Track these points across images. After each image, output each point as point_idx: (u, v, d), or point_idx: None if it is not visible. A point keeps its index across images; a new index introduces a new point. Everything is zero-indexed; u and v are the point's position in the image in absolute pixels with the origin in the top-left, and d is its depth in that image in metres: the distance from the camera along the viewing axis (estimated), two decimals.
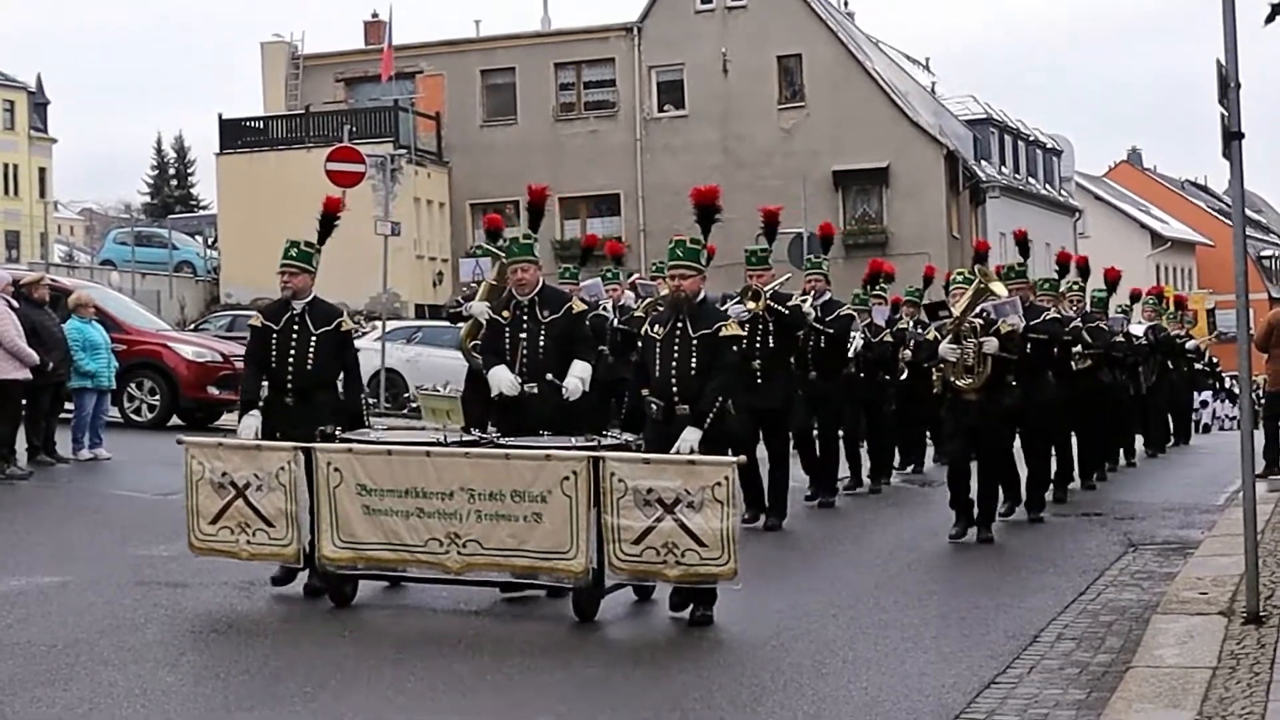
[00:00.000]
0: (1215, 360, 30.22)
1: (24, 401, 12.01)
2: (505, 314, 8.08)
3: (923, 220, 33.79)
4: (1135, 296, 17.61)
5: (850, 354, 12.03)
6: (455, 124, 35.81)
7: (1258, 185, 68.15)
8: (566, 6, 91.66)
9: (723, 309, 9.08)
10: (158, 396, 15.81)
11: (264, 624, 7.27)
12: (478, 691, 6.05)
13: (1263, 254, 58.72)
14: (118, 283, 27.89)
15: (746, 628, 7.08)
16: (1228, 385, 31.36)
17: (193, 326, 25.93)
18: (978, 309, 9.67)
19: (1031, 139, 43.98)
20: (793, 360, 10.94)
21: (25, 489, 11.17)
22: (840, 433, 12.08)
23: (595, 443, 7.15)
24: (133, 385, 15.66)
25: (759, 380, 9.94)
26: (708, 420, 7.29)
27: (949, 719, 5.54)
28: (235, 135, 34.28)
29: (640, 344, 8.11)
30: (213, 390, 15.74)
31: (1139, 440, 16.80)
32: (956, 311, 9.73)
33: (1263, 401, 13.20)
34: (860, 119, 33.99)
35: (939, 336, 9.80)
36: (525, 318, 7.93)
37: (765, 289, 10.06)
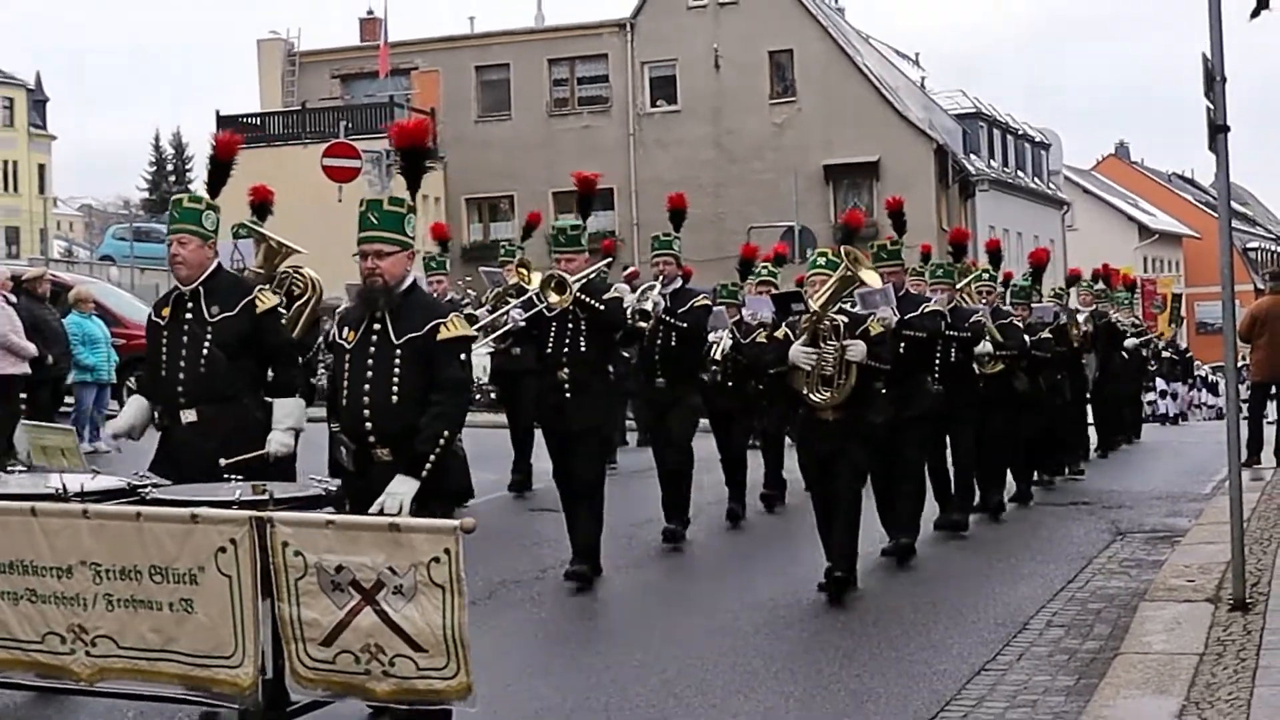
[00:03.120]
0: (1186, 348, 30.06)
1: (23, 396, 12.07)
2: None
3: (912, 214, 33.22)
4: (1072, 279, 15.82)
5: (717, 356, 10.11)
6: (450, 120, 35.82)
7: (1243, 178, 68.41)
8: (560, 3, 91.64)
9: (613, 297, 7.84)
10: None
11: None
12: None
13: (1248, 246, 58.84)
14: (117, 278, 27.88)
15: (739, 615, 7.12)
16: (1204, 374, 31.41)
17: None
18: (840, 303, 7.55)
19: (1020, 133, 44.05)
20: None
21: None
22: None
23: (267, 495, 4.81)
24: (132, 379, 15.65)
25: (567, 394, 7.83)
26: (426, 467, 5.04)
27: (939, 705, 5.57)
28: (232, 131, 34.28)
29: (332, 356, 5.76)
30: None
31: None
32: (815, 305, 7.45)
33: (1249, 393, 13.24)
34: (851, 114, 34.09)
35: (790, 335, 7.58)
36: (189, 315, 5.83)
37: (574, 278, 7.80)
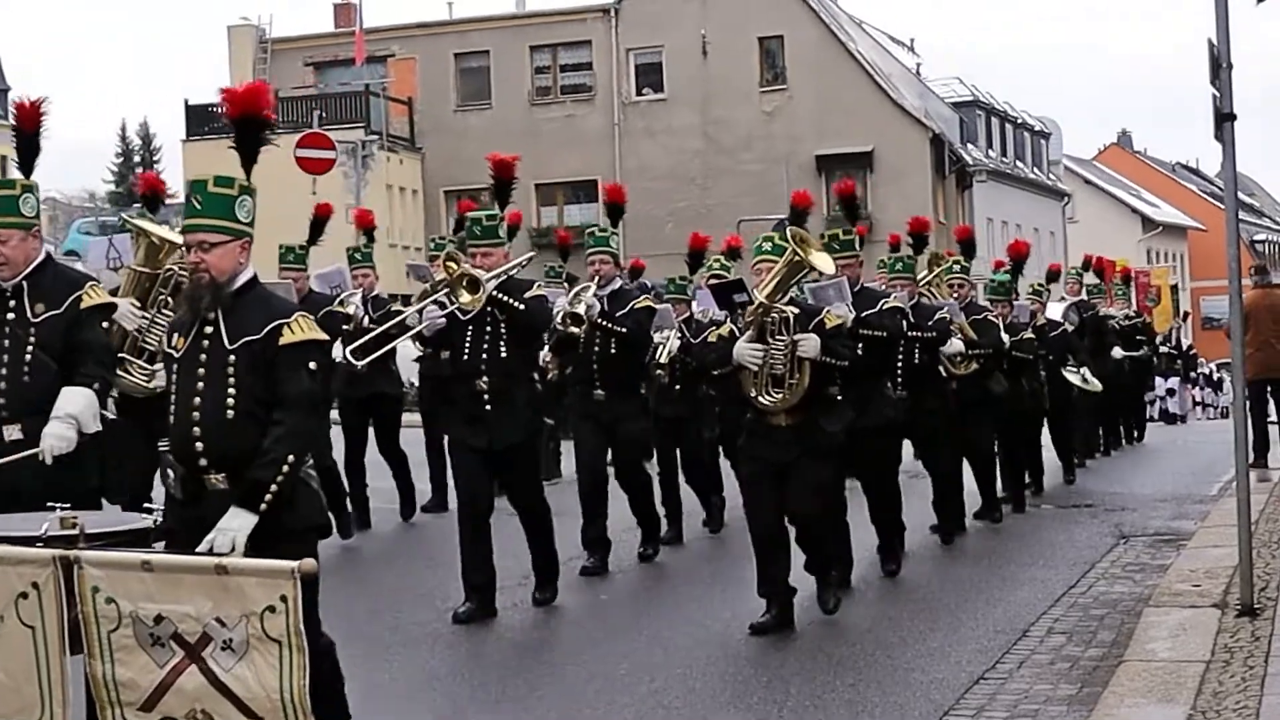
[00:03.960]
0: (1190, 345, 29.83)
1: None
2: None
3: (908, 205, 33.52)
4: (1053, 275, 14.85)
5: (663, 359, 9.24)
6: (428, 108, 35.64)
7: (1250, 168, 68.57)
8: None
9: (536, 293, 7.12)
10: None
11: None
12: (456, 690, 6.04)
13: (1255, 238, 58.91)
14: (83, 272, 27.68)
15: (731, 624, 7.02)
16: (1207, 371, 31.27)
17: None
18: (790, 292, 6.81)
19: (1019, 122, 44.02)
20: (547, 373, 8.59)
21: None
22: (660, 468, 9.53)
23: (76, 529, 4.17)
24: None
25: (486, 407, 7.04)
26: (266, 498, 4.33)
27: (938, 716, 5.51)
28: (202, 121, 33.99)
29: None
30: None
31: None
32: (760, 296, 6.69)
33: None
34: (843, 102, 33.96)
35: (735, 331, 6.98)
36: (10, 316, 5.22)
37: (488, 274, 7.01)
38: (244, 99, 4.73)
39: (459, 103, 36.11)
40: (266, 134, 4.74)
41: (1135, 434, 16.97)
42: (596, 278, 8.27)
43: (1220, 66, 6.61)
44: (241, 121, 4.72)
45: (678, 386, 9.39)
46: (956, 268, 10.11)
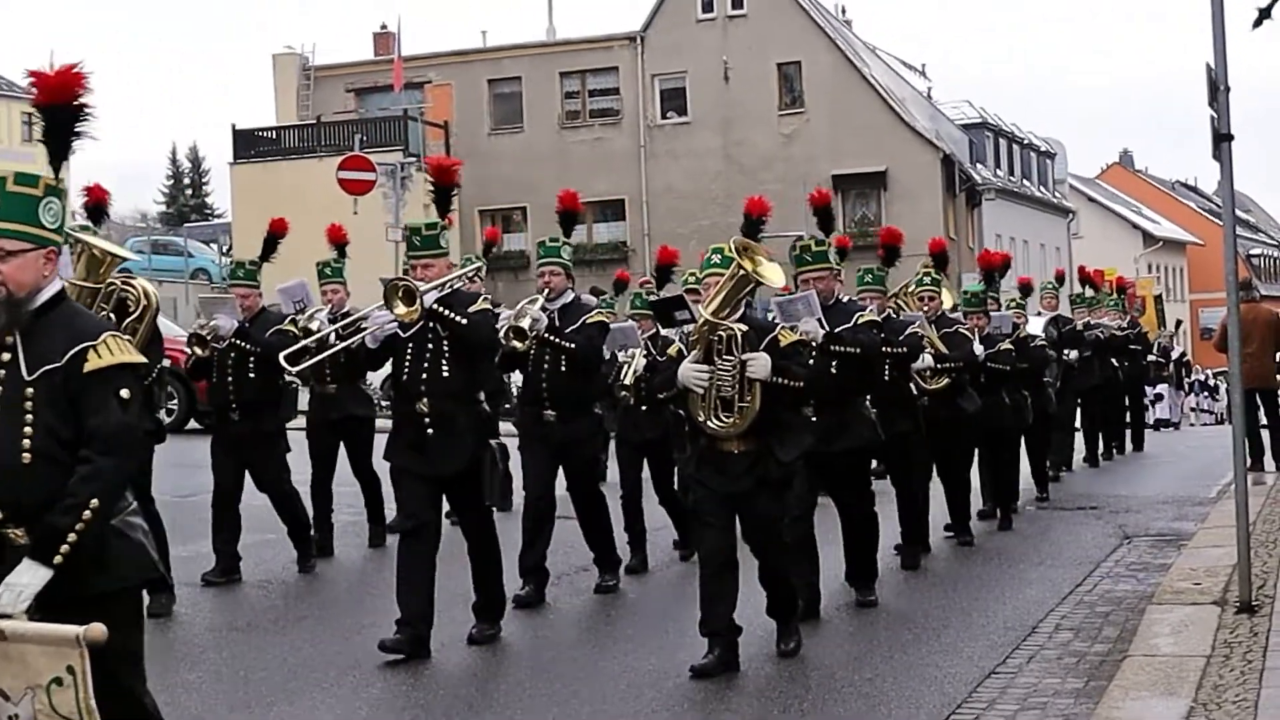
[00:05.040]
0: (1183, 353, 29.45)
1: None
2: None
3: (920, 223, 33.79)
4: (1026, 288, 13.77)
5: (628, 379, 8.49)
6: (463, 132, 35.94)
7: (1246, 186, 68.28)
8: (571, 16, 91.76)
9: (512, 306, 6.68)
10: (175, 401, 16.01)
11: (282, 621, 7.36)
12: (493, 689, 6.09)
13: (1252, 253, 58.84)
14: None
15: (751, 620, 6.88)
16: (1203, 378, 31.03)
17: None
18: (739, 308, 6.17)
19: (1026, 142, 44.11)
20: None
21: None
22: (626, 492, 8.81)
23: None
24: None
25: (428, 431, 6.46)
26: (63, 549, 3.54)
27: (950, 709, 5.58)
28: (248, 145, 34.54)
29: None
30: None
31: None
32: (706, 312, 6.10)
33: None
34: (858, 124, 34.19)
35: (682, 351, 6.29)
36: None
37: (427, 286, 6.42)
38: (54, 85, 3.93)
39: (492, 126, 36.45)
40: (79, 125, 3.95)
41: (1135, 442, 16.64)
42: (546, 290, 7.61)
43: (1218, 89, 6.72)
44: (50, 110, 3.94)
45: (645, 408, 8.56)
46: (928, 280, 9.43)
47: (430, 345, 6.48)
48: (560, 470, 7.81)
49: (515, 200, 35.64)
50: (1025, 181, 43.21)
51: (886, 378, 8.06)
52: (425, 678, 6.19)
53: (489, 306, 6.73)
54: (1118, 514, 11.02)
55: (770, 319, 6.81)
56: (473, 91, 36.39)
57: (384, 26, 38.25)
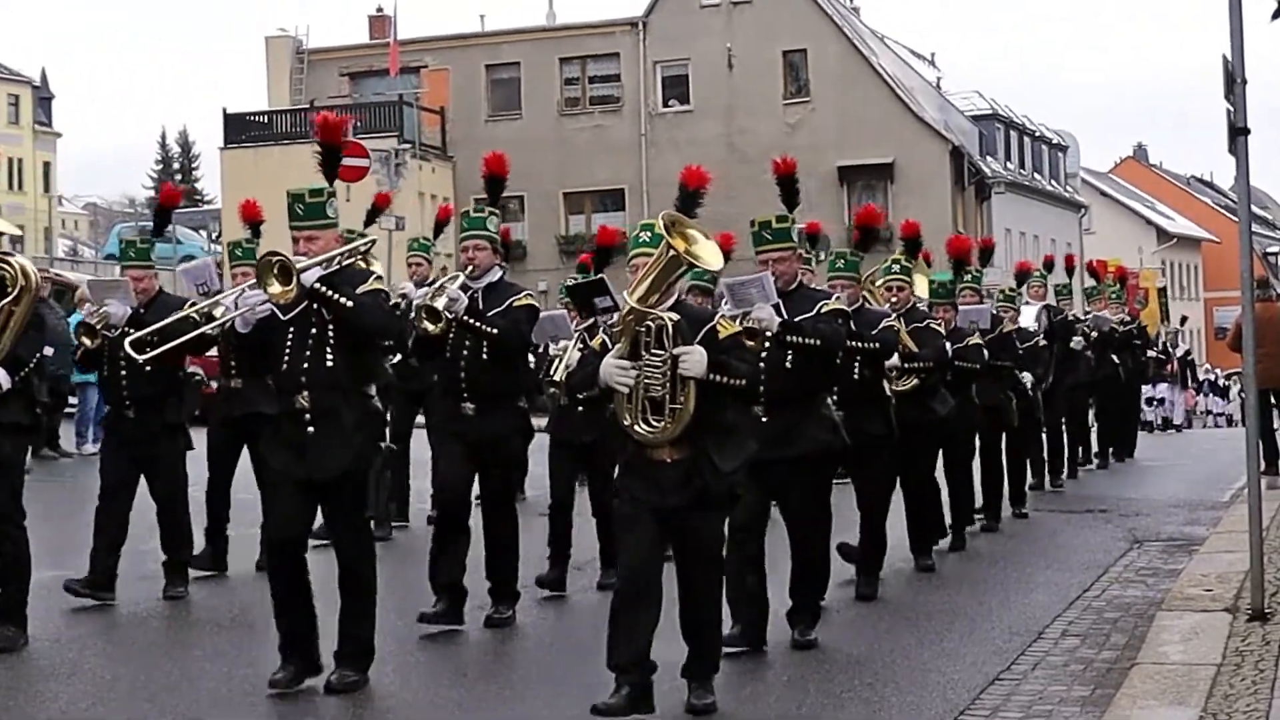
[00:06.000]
0: (1188, 351, 29.06)
1: None
2: None
3: (928, 216, 33.42)
4: (1022, 275, 12.89)
5: (558, 374, 7.54)
6: (460, 118, 35.85)
7: (1264, 181, 67.87)
8: (571, 1, 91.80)
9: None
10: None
11: (269, 617, 7.20)
12: (481, 683, 6.05)
13: (1268, 250, 58.70)
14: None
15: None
16: (1213, 378, 30.83)
17: None
18: (671, 294, 5.42)
19: (1037, 135, 43.98)
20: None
21: (28, 483, 11.12)
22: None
23: None
24: None
25: (309, 428, 5.76)
26: None
27: (953, 715, 5.53)
28: (240, 130, 34.45)
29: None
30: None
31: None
32: (631, 299, 5.35)
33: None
34: (865, 114, 34.07)
35: (606, 344, 5.58)
36: None
37: (305, 262, 5.67)
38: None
39: (490, 113, 36.33)
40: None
41: (1126, 446, 15.62)
42: (470, 266, 6.79)
43: (1234, 82, 6.66)
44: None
45: (580, 408, 7.38)
46: (896, 268, 8.55)
47: (314, 331, 5.73)
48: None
49: (513, 189, 35.23)
50: (1036, 175, 43.10)
51: (856, 376, 7.31)
52: (413, 677, 6.12)
53: (381, 287, 5.90)
54: (1127, 517, 10.98)
55: (722, 304, 6.16)
56: (470, 77, 36.27)
57: (380, 9, 38.16)
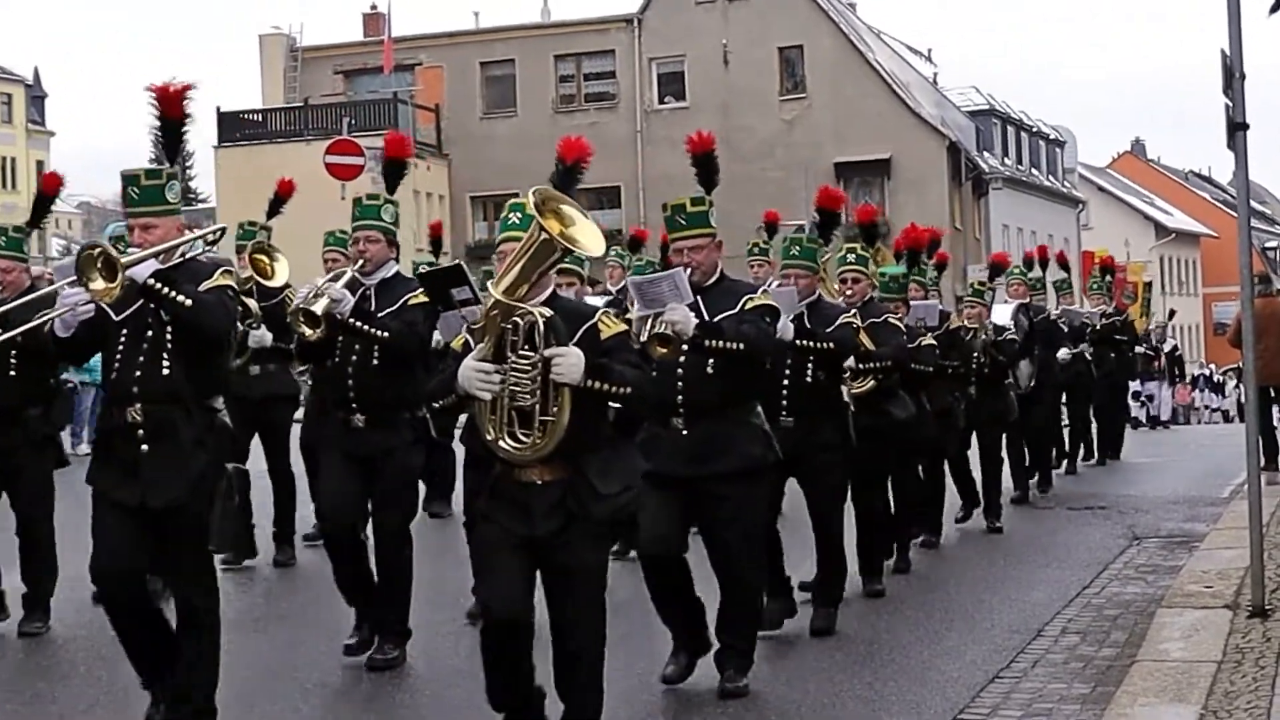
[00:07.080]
0: (1175, 346, 28.91)
1: None
2: None
3: (925, 212, 33.60)
4: (997, 268, 12.09)
5: None
6: (455, 116, 35.88)
7: (1262, 176, 68.09)
8: None
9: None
10: None
11: (264, 620, 7.26)
12: (477, 686, 6.02)
13: (1267, 245, 58.72)
14: None
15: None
16: (1208, 373, 30.77)
17: None
18: (544, 286, 4.60)
19: (1034, 130, 43.98)
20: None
21: None
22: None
23: None
24: None
25: (141, 446, 5.01)
26: None
27: (953, 713, 5.52)
28: (233, 128, 34.42)
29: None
30: None
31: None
32: (496, 290, 4.52)
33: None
34: (862, 110, 34.08)
35: (468, 344, 4.68)
36: None
37: (134, 255, 4.95)
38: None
39: (484, 110, 36.34)
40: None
41: (1112, 447, 14.69)
42: (361, 261, 6.14)
43: (1233, 76, 6.66)
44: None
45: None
46: (851, 257, 7.67)
47: (149, 334, 4.96)
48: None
49: (507, 186, 35.26)
50: (1034, 170, 43.10)
51: (810, 379, 6.63)
52: (409, 679, 6.07)
53: (229, 281, 5.08)
54: (1127, 514, 10.95)
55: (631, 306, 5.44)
56: (465, 74, 36.27)
57: (374, 7, 38.16)
